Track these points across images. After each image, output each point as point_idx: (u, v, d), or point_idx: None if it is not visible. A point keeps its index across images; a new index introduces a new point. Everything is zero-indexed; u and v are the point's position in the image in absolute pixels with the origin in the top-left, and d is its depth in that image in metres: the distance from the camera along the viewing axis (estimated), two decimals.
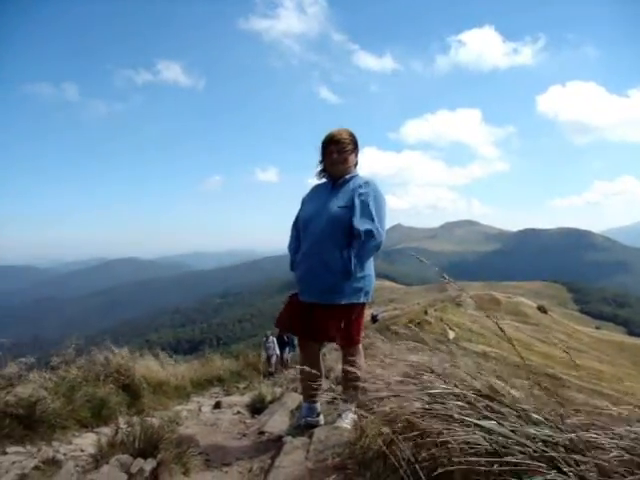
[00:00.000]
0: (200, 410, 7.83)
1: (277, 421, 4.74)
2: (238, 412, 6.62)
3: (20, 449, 5.27)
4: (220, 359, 19.93)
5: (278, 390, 8.19)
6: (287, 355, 20.18)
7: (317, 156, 3.96)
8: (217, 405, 7.91)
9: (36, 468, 3.99)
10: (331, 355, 9.64)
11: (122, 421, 7.22)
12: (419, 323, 32.38)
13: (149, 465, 3.00)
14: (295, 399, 5.65)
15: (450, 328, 31.79)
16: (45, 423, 5.88)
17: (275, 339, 20.09)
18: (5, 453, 5.05)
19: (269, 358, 19.53)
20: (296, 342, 20.53)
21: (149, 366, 9.85)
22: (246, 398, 8.28)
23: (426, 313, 38.17)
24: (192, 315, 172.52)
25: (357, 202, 3.66)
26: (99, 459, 3.12)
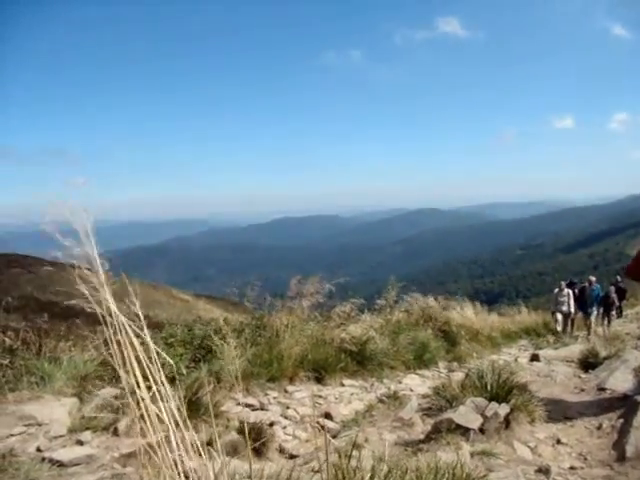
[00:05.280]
0: (516, 361, 7.74)
1: (619, 378, 4.47)
2: (564, 366, 6.36)
3: (354, 382, 5.91)
4: (525, 313, 19.40)
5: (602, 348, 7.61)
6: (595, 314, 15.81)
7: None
8: (534, 358, 7.72)
9: (380, 401, 4.36)
10: None
11: (442, 366, 7.55)
12: None
13: (503, 410, 3.10)
14: (638, 357, 5.17)
15: None
16: (374, 361, 6.45)
17: (570, 292, 15.99)
18: (342, 385, 5.73)
19: (564, 317, 15.68)
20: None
21: (464, 314, 10.06)
22: (563, 352, 7.92)
23: None
24: (490, 266, 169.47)
25: None
26: (451, 400, 3.27)
